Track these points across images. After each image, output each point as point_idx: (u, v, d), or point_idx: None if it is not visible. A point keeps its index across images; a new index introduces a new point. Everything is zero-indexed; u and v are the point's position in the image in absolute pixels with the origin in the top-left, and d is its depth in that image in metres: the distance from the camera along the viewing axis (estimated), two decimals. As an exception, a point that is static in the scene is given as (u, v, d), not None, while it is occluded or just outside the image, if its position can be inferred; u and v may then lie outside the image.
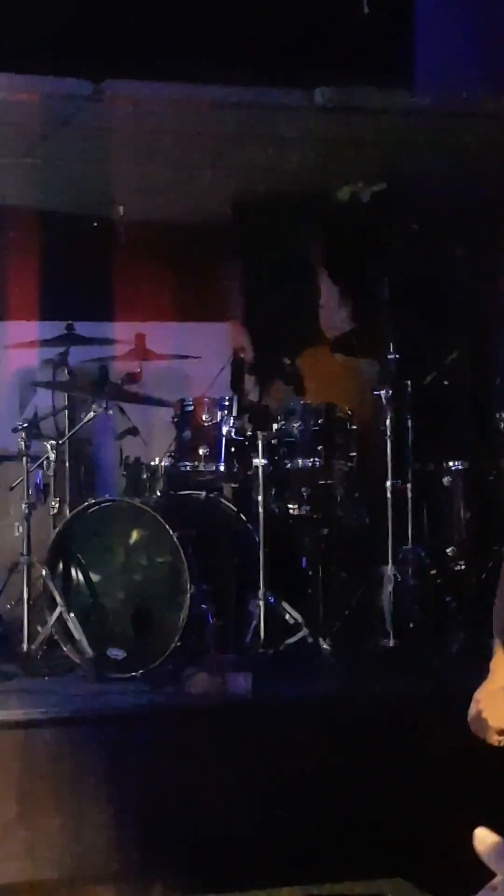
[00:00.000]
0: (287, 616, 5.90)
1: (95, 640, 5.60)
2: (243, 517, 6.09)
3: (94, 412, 6.10)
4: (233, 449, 6.09)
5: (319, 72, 6.32)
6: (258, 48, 6.34)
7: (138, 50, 6.24)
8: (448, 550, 6.25)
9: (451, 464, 6.32)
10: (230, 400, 6.15)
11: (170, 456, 6.23)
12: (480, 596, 6.14)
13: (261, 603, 5.78)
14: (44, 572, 5.70)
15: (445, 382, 6.50)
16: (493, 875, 2.20)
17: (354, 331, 6.92)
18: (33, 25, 6.04)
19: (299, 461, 6.10)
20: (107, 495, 6.12)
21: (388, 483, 6.01)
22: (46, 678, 5.53)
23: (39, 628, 5.69)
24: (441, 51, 6.87)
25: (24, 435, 5.90)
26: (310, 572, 6.16)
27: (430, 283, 7.30)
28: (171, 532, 5.64)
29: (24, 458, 5.89)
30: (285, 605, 5.90)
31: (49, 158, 6.97)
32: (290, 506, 6.12)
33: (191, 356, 7.24)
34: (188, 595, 5.57)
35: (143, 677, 5.47)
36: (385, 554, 5.91)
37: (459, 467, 6.32)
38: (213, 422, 6.13)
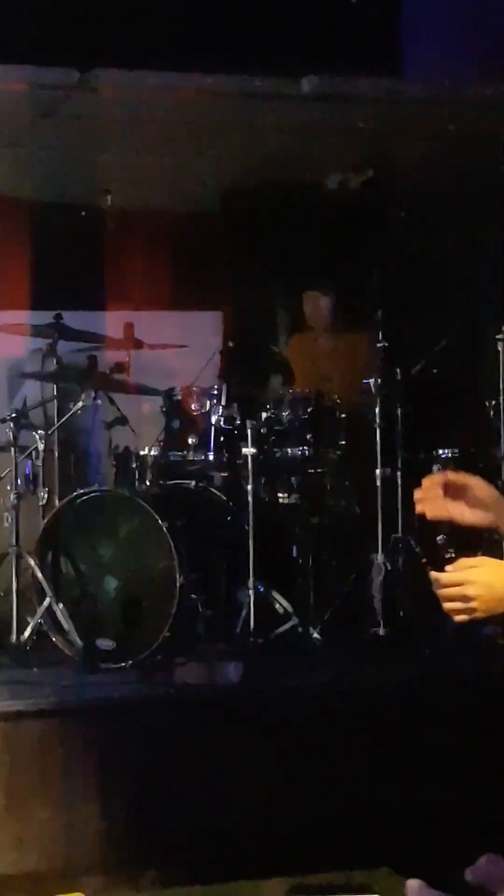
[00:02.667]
0: (277, 605, 5.87)
1: (85, 631, 5.58)
2: (233, 506, 6.07)
3: (83, 402, 6.09)
4: (222, 438, 6.07)
5: (306, 60, 6.32)
6: (245, 37, 6.34)
7: (125, 38, 6.23)
8: (438, 538, 6.24)
9: (440, 452, 6.32)
10: (219, 389, 6.14)
11: (159, 445, 6.22)
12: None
13: (251, 592, 5.76)
14: (33, 563, 5.68)
15: (435, 370, 6.49)
16: None
17: (343, 319, 6.90)
18: (19, 14, 6.02)
19: (288, 450, 6.08)
20: (96, 485, 6.09)
21: (378, 471, 6.00)
22: (35, 669, 5.49)
23: (28, 619, 5.68)
24: (428, 39, 6.86)
25: (12, 425, 5.88)
26: (300, 561, 6.14)
27: (420, 271, 7.29)
28: (160, 522, 5.62)
29: (13, 449, 5.88)
30: (275, 595, 5.88)
31: (36, 147, 6.96)
32: (280, 494, 6.11)
33: (179, 345, 7.23)
34: (178, 585, 5.56)
35: (132, 668, 5.44)
36: (375, 542, 5.90)
37: (449, 455, 6.32)
38: (202, 411, 6.12)
